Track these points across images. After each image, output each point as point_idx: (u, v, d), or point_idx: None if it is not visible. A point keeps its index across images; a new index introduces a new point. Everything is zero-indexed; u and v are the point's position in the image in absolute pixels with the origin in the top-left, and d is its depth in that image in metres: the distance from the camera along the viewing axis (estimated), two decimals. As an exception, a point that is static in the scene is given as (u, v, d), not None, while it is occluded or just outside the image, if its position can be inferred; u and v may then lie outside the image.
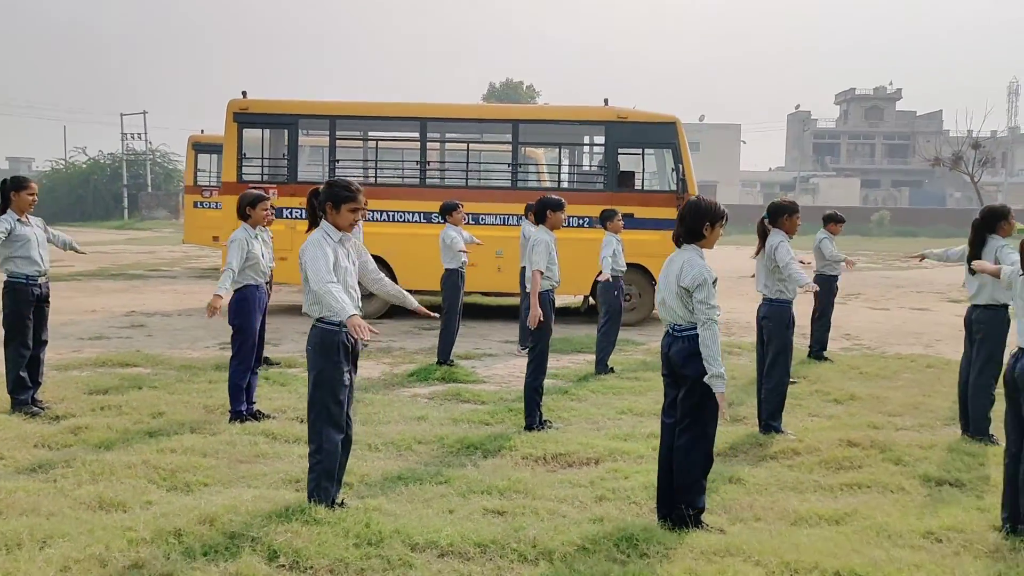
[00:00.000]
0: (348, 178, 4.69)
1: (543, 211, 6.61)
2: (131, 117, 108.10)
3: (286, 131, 13.07)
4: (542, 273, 6.51)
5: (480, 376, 8.82)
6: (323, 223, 4.50)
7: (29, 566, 3.70)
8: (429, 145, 13.22)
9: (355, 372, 4.64)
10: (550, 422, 6.72)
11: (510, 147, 12.98)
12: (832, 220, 10.12)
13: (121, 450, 5.64)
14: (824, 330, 9.90)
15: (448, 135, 14.08)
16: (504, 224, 12.76)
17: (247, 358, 6.54)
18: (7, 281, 6.56)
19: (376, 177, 13.20)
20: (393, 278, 12.86)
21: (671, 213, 12.17)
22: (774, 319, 6.48)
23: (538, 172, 13.61)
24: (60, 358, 8.94)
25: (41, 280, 6.67)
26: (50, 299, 6.84)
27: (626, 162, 13.26)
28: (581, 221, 12.73)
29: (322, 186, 4.58)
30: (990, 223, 6.28)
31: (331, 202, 4.46)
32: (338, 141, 13.15)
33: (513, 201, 12.71)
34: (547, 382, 8.02)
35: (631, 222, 12.75)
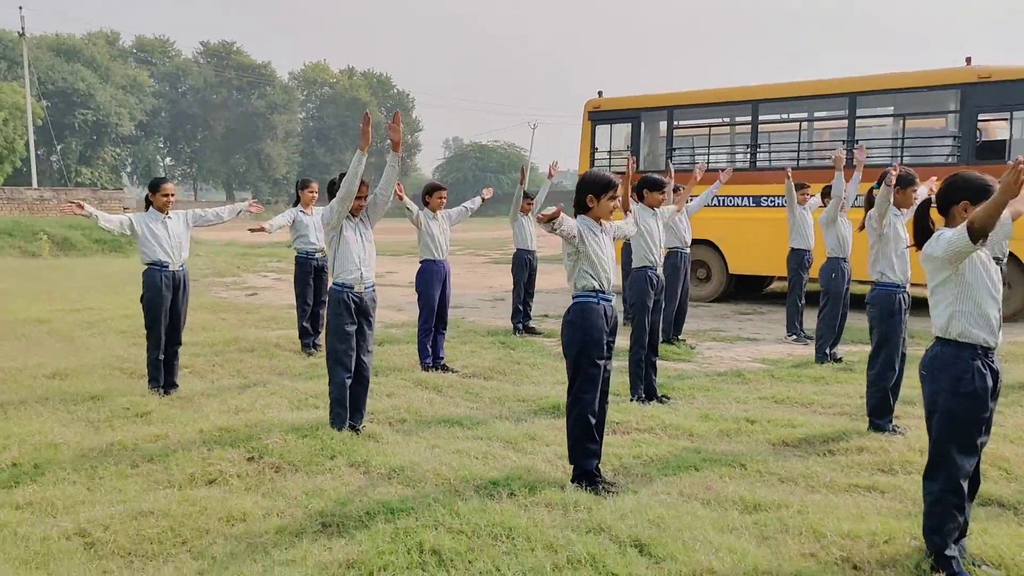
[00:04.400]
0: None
1: None
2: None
3: (630, 124, 14.08)
4: None
5: (694, 355, 8.92)
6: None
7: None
8: (761, 127, 13.01)
9: (369, 325, 5.75)
10: (667, 397, 6.84)
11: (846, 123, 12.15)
12: None
13: (312, 379, 7.52)
14: None
15: (780, 115, 13.51)
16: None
17: (427, 320, 7.98)
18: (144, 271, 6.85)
19: (708, 162, 13.44)
20: (724, 263, 13.12)
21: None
22: (877, 304, 5.71)
23: (887, 146, 12.34)
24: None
25: (173, 268, 6.78)
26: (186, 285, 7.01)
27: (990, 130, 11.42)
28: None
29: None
30: None
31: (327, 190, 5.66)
32: (676, 130, 13.70)
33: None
34: (756, 366, 8.07)
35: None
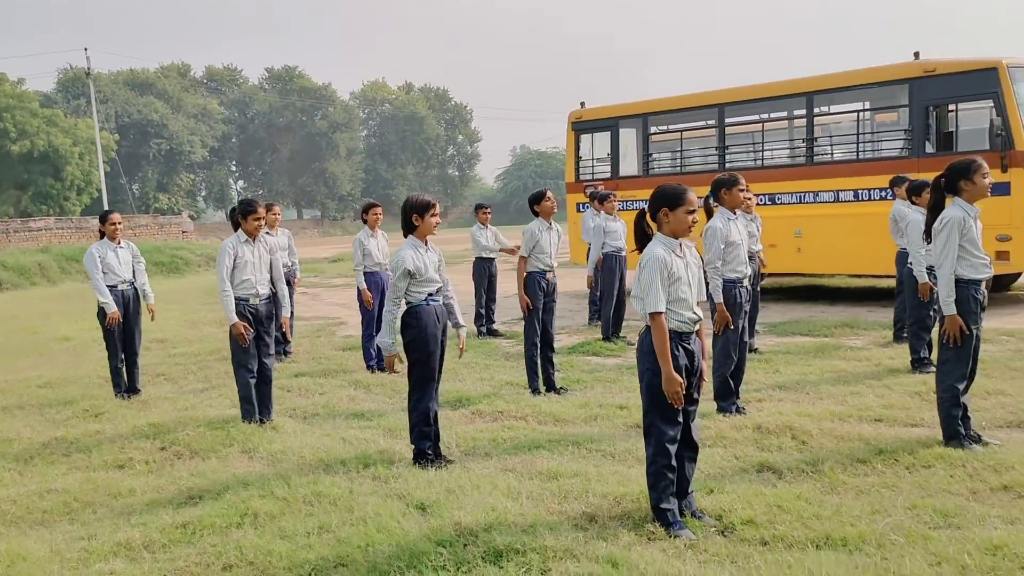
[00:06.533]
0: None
1: None
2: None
3: (608, 132, 14.71)
4: None
5: (627, 351, 9.53)
6: (239, 230, 6.60)
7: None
8: (728, 130, 13.48)
9: (268, 333, 6.63)
10: (565, 388, 7.52)
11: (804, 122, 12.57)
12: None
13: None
14: None
15: (742, 116, 13.90)
16: (800, 203, 12.43)
17: (368, 325, 8.84)
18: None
19: (682, 166, 13.95)
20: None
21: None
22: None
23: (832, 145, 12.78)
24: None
25: (122, 287, 7.89)
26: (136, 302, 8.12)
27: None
28: (884, 193, 11.77)
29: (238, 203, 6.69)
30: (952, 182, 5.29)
31: (241, 215, 6.56)
32: (650, 136, 14.28)
33: (810, 177, 12.37)
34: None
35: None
